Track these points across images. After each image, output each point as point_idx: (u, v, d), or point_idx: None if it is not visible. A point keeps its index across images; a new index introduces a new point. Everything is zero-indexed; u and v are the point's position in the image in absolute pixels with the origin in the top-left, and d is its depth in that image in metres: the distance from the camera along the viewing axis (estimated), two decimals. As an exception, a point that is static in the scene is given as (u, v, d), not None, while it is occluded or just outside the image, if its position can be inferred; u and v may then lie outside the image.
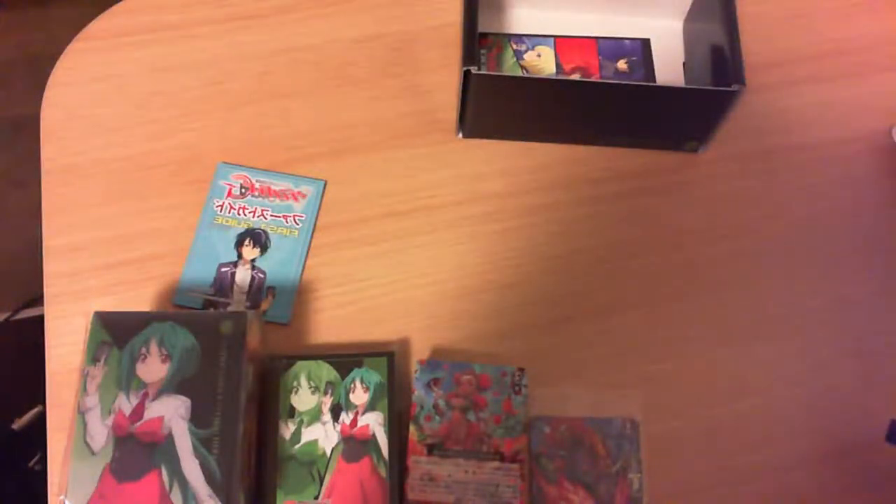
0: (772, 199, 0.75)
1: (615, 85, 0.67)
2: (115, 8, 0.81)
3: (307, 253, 0.70)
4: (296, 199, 0.72)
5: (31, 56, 1.58)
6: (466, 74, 0.66)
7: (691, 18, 0.79)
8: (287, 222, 0.71)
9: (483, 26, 0.79)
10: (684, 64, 0.79)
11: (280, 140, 0.75)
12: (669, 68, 0.79)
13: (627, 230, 0.73)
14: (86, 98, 0.77)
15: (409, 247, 0.71)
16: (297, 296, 0.69)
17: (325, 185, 0.73)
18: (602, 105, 0.70)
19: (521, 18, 0.81)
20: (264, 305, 0.68)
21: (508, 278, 0.71)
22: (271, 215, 0.71)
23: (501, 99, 0.70)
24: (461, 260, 0.71)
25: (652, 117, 0.72)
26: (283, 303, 0.68)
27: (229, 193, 0.72)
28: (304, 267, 0.70)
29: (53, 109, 0.76)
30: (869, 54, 0.82)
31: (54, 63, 0.79)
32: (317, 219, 0.72)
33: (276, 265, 0.69)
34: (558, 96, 0.69)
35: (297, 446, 0.61)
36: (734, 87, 0.66)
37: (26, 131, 1.47)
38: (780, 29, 0.83)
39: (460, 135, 0.75)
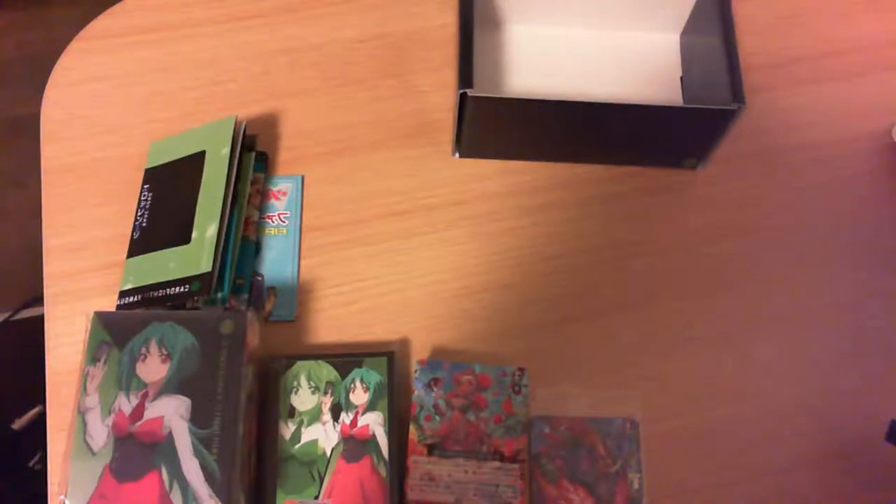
0: (771, 199, 0.75)
1: (613, 105, 0.67)
2: (115, 8, 0.81)
3: (300, 248, 0.70)
4: (276, 197, 0.72)
5: (31, 56, 1.58)
6: (462, 97, 0.66)
7: (688, 32, 0.79)
8: (274, 222, 0.71)
9: (479, 43, 0.79)
10: (681, 79, 0.79)
11: (280, 140, 0.75)
12: (667, 83, 0.79)
13: (627, 230, 0.73)
14: (86, 98, 0.77)
15: (409, 247, 0.71)
16: (297, 293, 0.69)
17: (302, 179, 0.73)
18: (600, 125, 0.70)
19: (517, 35, 0.80)
20: (268, 306, 0.68)
21: (508, 278, 0.71)
22: (258, 218, 0.71)
23: (498, 120, 0.70)
24: (461, 260, 0.71)
25: (650, 136, 0.72)
26: (285, 301, 0.68)
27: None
28: (299, 263, 0.70)
29: (53, 109, 0.76)
30: (869, 54, 0.82)
31: (54, 63, 0.79)
32: (302, 213, 0.72)
33: (272, 265, 0.69)
34: (555, 117, 0.69)
35: (297, 446, 0.61)
36: (733, 106, 0.66)
37: (26, 131, 1.47)
38: (780, 29, 0.83)
39: (457, 155, 0.75)
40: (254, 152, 0.72)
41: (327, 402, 0.62)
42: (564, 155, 0.75)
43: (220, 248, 0.65)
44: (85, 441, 0.56)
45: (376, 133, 0.76)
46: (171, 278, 0.64)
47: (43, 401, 0.64)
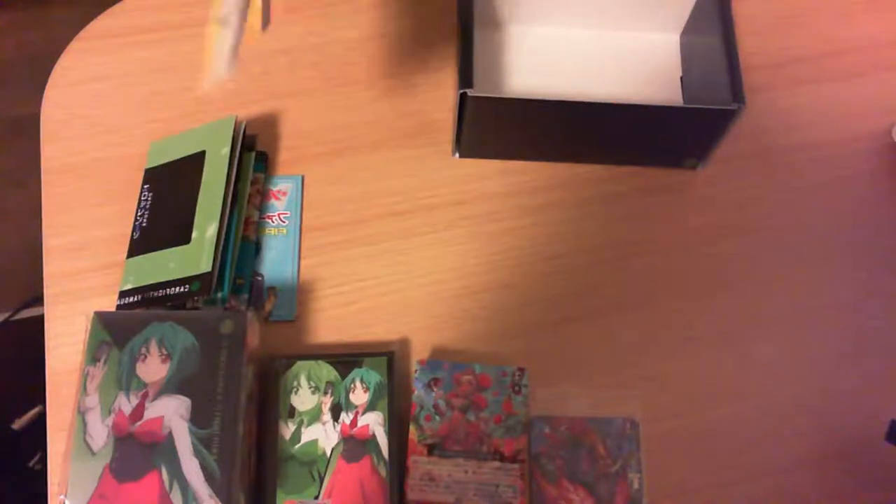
0: (771, 199, 0.75)
1: (613, 105, 0.66)
2: (115, 8, 0.81)
3: (300, 248, 0.70)
4: (276, 197, 0.72)
5: (31, 56, 1.58)
6: (462, 97, 0.66)
7: (688, 32, 0.79)
8: (274, 222, 0.71)
9: (479, 43, 0.78)
10: (681, 79, 0.79)
11: (280, 140, 0.75)
12: (667, 83, 0.79)
13: (627, 230, 0.73)
14: (86, 98, 0.77)
15: (409, 247, 0.71)
16: (297, 293, 0.69)
17: (302, 179, 0.73)
18: (600, 125, 0.70)
19: (517, 35, 0.80)
20: (268, 306, 0.68)
21: (508, 278, 0.71)
22: (258, 218, 0.71)
23: (498, 120, 0.70)
24: (461, 260, 0.71)
25: (650, 136, 0.72)
26: (285, 301, 0.68)
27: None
28: (299, 263, 0.70)
29: (53, 109, 0.76)
30: (869, 54, 0.82)
31: (54, 63, 0.79)
32: (302, 213, 0.72)
33: (272, 265, 0.69)
34: (555, 117, 0.69)
35: (297, 446, 0.61)
36: (734, 106, 0.66)
37: (26, 131, 1.47)
38: (780, 29, 0.83)
39: (457, 155, 0.75)
40: (254, 152, 0.72)
41: (327, 402, 0.62)
42: (564, 155, 0.75)
43: (220, 248, 0.65)
44: (85, 441, 0.56)
45: (376, 133, 0.76)
46: (171, 278, 0.64)
47: (43, 401, 0.64)
